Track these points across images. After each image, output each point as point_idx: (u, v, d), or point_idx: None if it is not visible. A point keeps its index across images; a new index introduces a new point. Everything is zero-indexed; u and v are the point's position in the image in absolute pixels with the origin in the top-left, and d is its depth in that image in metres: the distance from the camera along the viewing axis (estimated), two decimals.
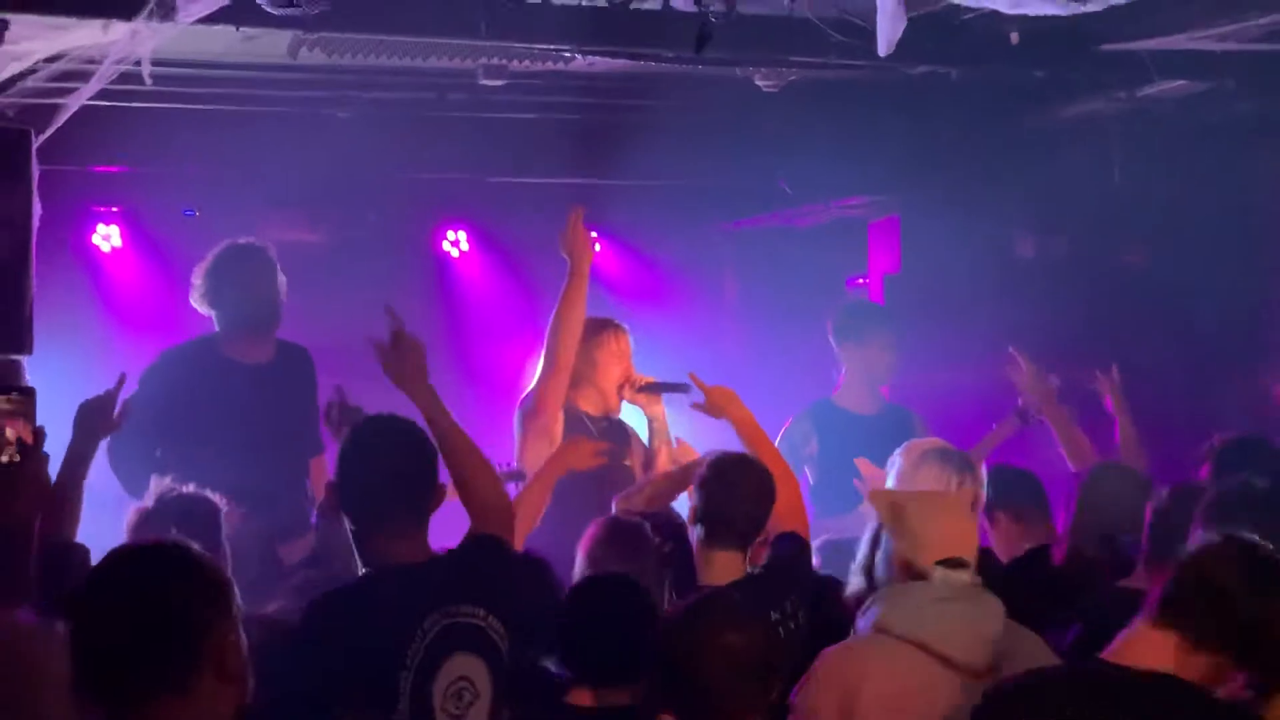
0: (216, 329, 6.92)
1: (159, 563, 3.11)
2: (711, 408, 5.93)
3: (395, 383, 4.67)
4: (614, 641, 4.42)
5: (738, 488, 5.07)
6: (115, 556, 3.18)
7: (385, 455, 4.41)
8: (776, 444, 6.23)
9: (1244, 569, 3.67)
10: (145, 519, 5.34)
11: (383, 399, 5.45)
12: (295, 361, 7.00)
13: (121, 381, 5.55)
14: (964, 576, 4.43)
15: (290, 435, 6.84)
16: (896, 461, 6.10)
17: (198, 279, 6.89)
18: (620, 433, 6.72)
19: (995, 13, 5.60)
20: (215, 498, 5.40)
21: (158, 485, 5.49)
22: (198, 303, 6.92)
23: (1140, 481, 5.45)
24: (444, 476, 4.49)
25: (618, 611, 4.49)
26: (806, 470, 7.36)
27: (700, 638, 4.02)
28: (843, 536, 5.54)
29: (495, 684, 4.34)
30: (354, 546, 4.40)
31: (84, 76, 6.03)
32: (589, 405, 6.68)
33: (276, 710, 4.18)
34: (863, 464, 6.70)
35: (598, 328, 6.68)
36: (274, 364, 6.95)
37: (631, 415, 6.80)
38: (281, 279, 6.92)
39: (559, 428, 6.44)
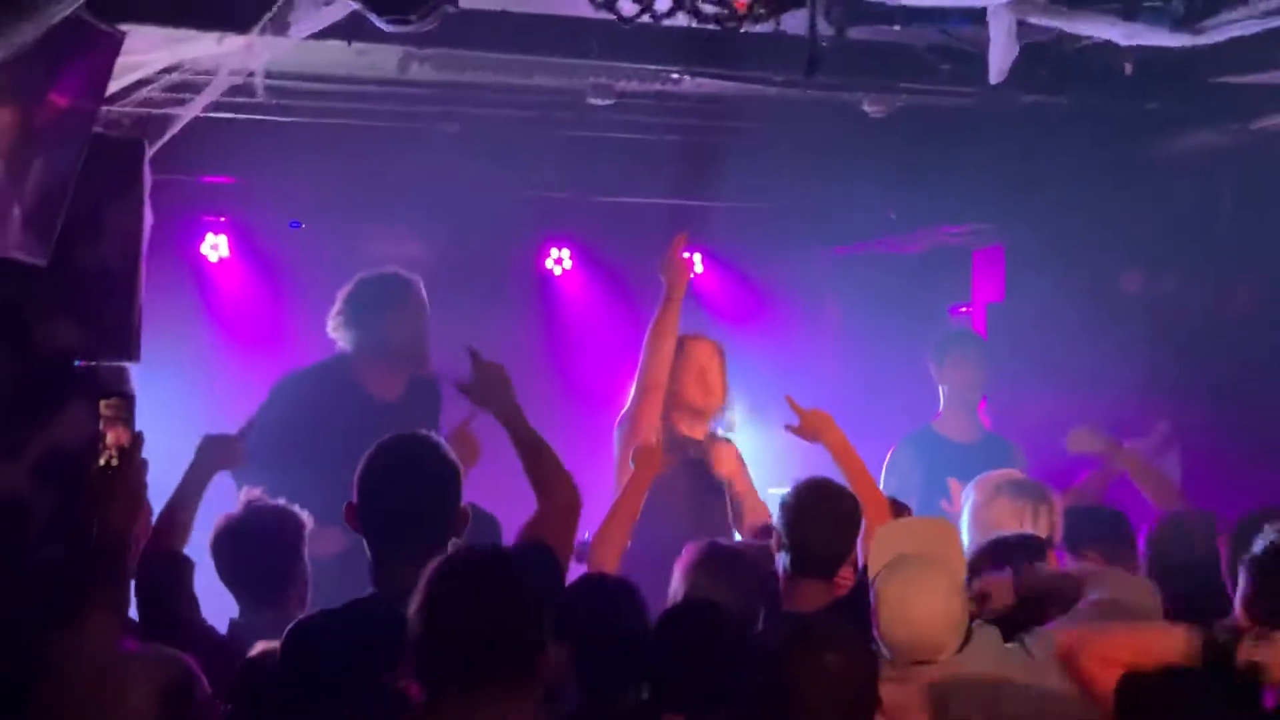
0: (350, 353, 6.93)
1: (512, 563, 3.56)
2: (806, 431, 5.92)
3: (478, 404, 4.72)
4: (706, 669, 4.39)
5: (819, 516, 5.05)
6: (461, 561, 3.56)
7: (407, 480, 4.39)
8: (883, 472, 6.25)
9: None
10: (230, 526, 5.37)
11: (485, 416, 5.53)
12: (424, 398, 6.98)
13: (251, 425, 5.63)
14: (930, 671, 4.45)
15: None
16: (970, 495, 6.09)
17: (342, 301, 6.92)
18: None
19: (1109, 43, 5.55)
20: (302, 514, 5.43)
21: (247, 494, 5.54)
22: (337, 327, 6.95)
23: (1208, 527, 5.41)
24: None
25: (710, 639, 4.46)
26: (910, 501, 7.34)
27: (803, 664, 4.00)
28: None
29: None
30: (370, 569, 4.37)
31: (197, 88, 6.09)
32: (683, 426, 6.71)
33: None
34: (953, 484, 6.68)
35: (677, 345, 6.76)
36: (404, 401, 6.94)
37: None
38: (424, 309, 6.97)
39: (654, 440, 6.45)
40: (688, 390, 6.75)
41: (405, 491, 4.38)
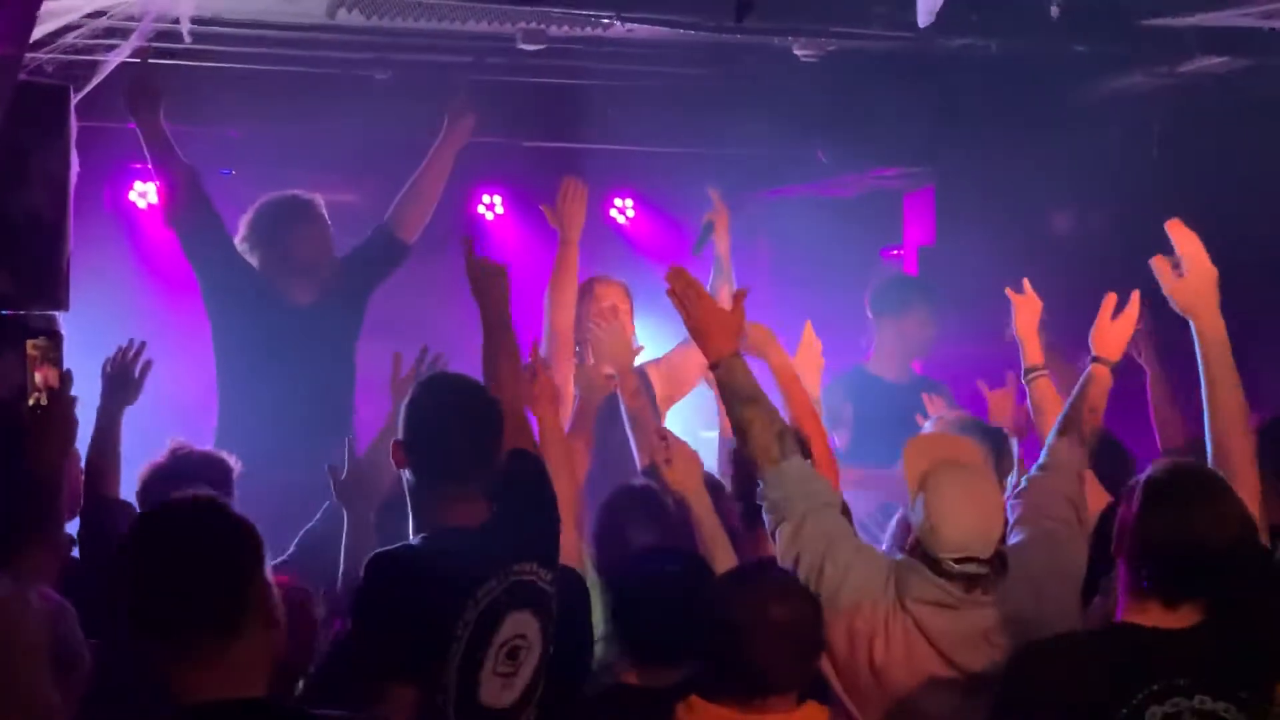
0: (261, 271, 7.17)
1: (205, 513, 3.29)
2: (750, 346, 5.86)
3: (478, 286, 4.71)
4: (667, 621, 4.40)
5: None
6: (163, 507, 3.34)
7: (459, 415, 4.37)
8: None
9: None
10: (157, 473, 5.36)
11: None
12: (340, 296, 7.35)
13: (142, 349, 5.62)
14: (974, 570, 4.45)
15: (329, 382, 6.98)
16: (926, 434, 6.10)
17: (246, 226, 7.09)
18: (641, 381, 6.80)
19: None
20: (229, 458, 5.42)
21: (173, 441, 5.52)
22: (245, 251, 7.19)
23: None
24: None
25: (672, 591, 4.46)
26: (836, 437, 7.37)
27: (747, 610, 4.01)
28: (892, 500, 5.51)
29: (545, 636, 4.32)
30: (410, 505, 4.35)
31: (124, 34, 6.04)
32: (607, 365, 6.75)
33: (324, 677, 4.22)
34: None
35: (581, 290, 6.82)
36: (320, 305, 7.26)
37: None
38: (330, 230, 7.30)
39: (569, 389, 6.47)
40: (601, 327, 6.77)
41: (463, 428, 4.36)
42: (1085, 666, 3.88)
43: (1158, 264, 4.81)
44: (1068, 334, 6.81)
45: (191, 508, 3.29)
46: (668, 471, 5.15)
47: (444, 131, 7.47)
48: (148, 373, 5.77)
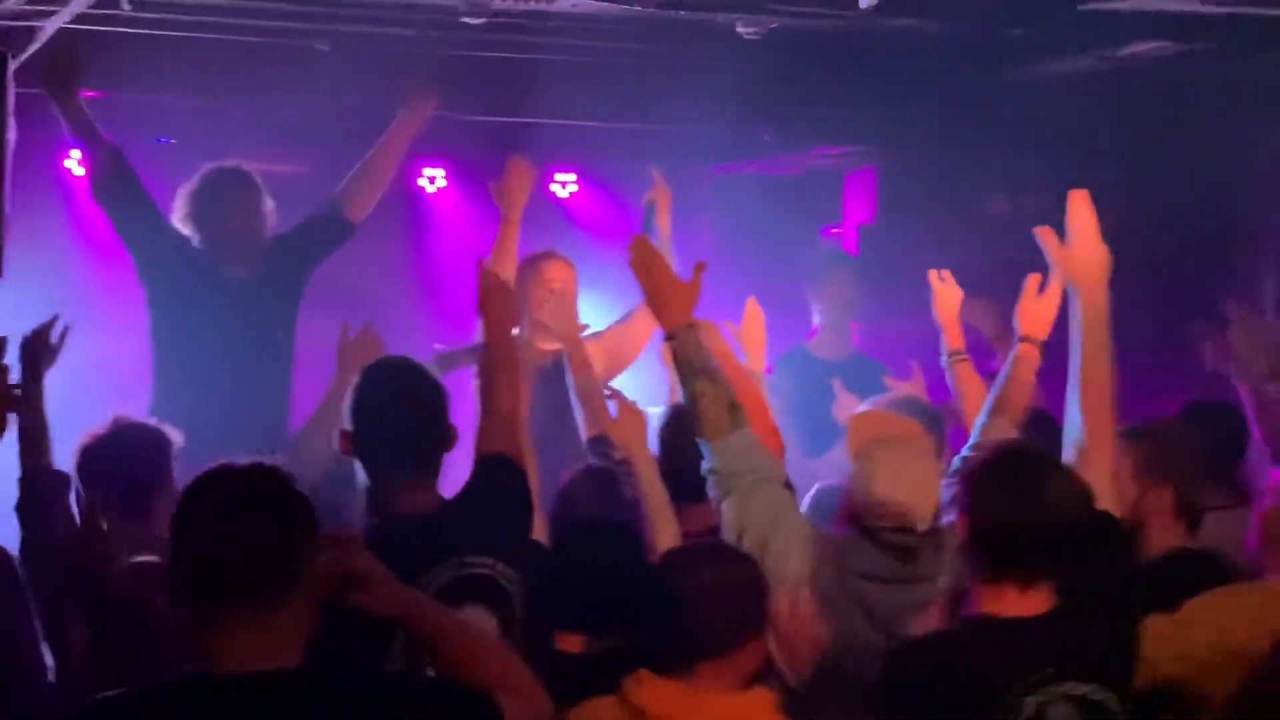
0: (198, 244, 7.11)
1: (263, 481, 3.22)
2: None
3: (486, 305, 4.70)
4: (605, 588, 4.40)
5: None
6: (218, 473, 3.25)
7: (405, 399, 4.38)
8: None
9: None
10: (96, 443, 5.34)
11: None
12: (279, 268, 7.28)
13: (56, 316, 5.59)
14: (910, 541, 4.49)
15: (264, 356, 6.96)
16: (866, 411, 6.14)
17: (180, 199, 7.00)
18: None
19: None
20: (170, 431, 5.40)
21: (113, 413, 5.50)
22: (181, 224, 7.04)
23: None
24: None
25: (609, 557, 4.46)
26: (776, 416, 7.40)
27: (687, 575, 4.03)
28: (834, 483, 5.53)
29: (506, 633, 4.29)
30: (365, 494, 4.34)
31: (62, 0, 6.00)
32: (539, 341, 6.76)
33: None
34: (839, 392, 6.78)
35: (525, 264, 6.82)
36: (257, 278, 7.18)
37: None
38: (265, 200, 7.18)
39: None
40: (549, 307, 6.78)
41: (404, 415, 4.36)
42: (956, 664, 3.91)
43: (1043, 234, 4.84)
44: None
45: (247, 474, 3.23)
46: (613, 429, 5.17)
47: (401, 114, 7.43)
48: (65, 336, 5.72)
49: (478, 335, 5.92)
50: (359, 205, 7.43)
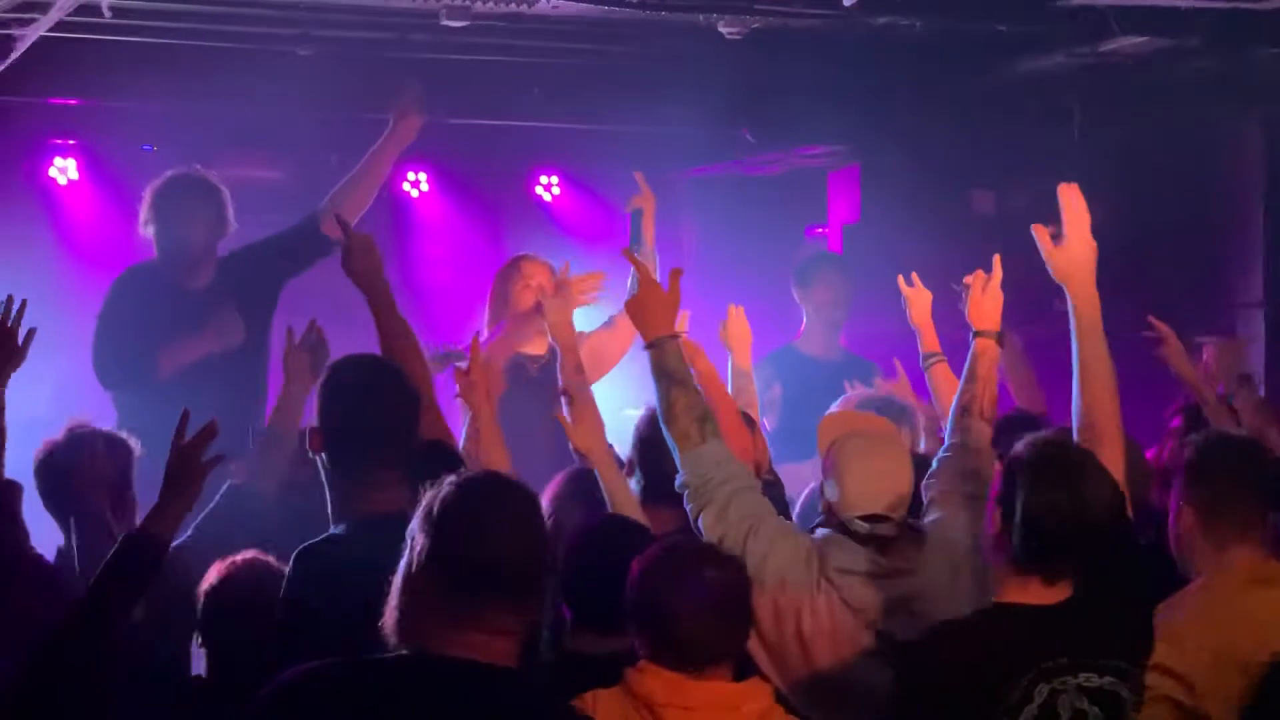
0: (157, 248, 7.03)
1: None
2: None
3: (351, 273, 4.66)
4: (617, 587, 4.40)
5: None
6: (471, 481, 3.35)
7: (377, 395, 4.33)
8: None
9: None
10: (53, 452, 5.23)
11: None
12: (235, 275, 7.10)
13: (23, 308, 5.48)
14: (885, 530, 4.50)
15: (230, 366, 6.90)
16: (834, 412, 6.15)
17: (142, 207, 6.95)
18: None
19: None
20: (129, 439, 5.32)
21: (70, 420, 5.42)
22: (143, 230, 7.02)
23: None
24: None
25: (622, 556, 4.47)
26: (766, 417, 7.40)
27: (675, 581, 4.03)
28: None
29: None
30: (330, 494, 4.29)
31: (43, 8, 5.99)
32: (527, 346, 6.75)
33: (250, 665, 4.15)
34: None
35: (505, 267, 6.81)
36: (214, 285, 7.04)
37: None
38: (223, 207, 7.01)
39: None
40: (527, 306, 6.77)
41: (380, 405, 4.31)
42: (973, 650, 3.95)
43: (1038, 231, 4.86)
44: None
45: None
46: (571, 433, 5.17)
47: (389, 131, 7.35)
48: (30, 340, 5.63)
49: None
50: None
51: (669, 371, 4.71)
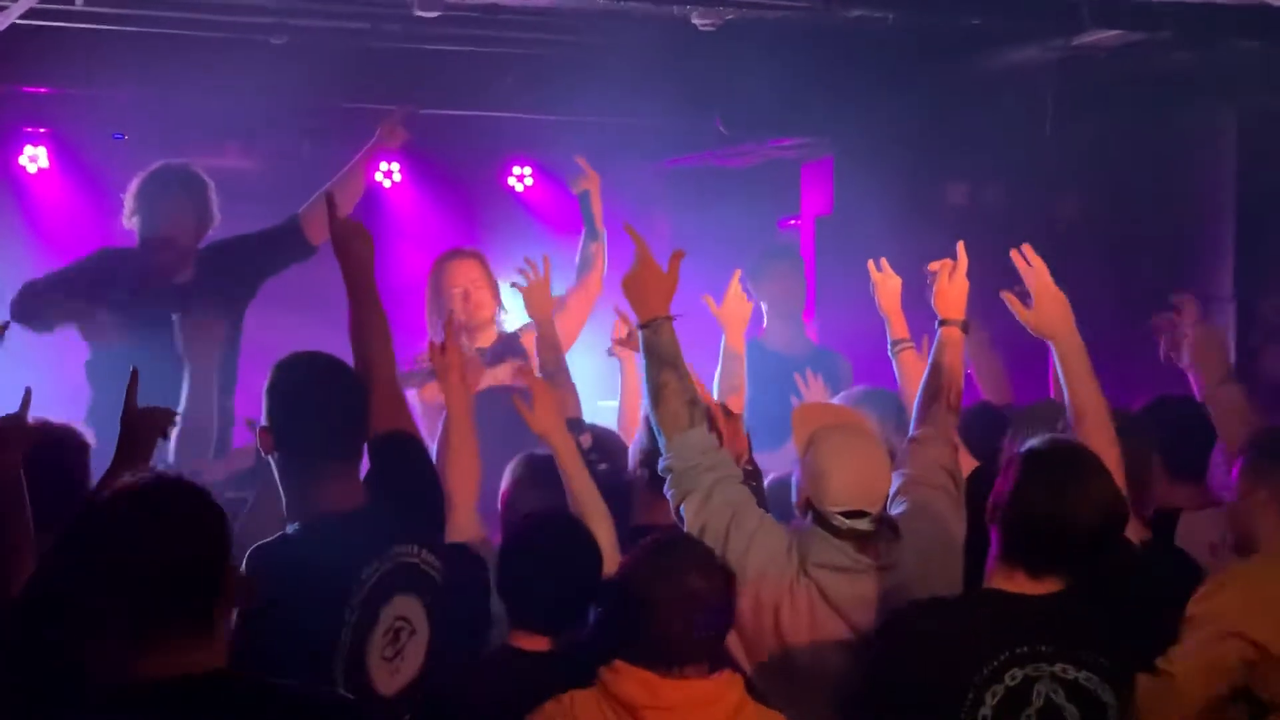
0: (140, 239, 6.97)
1: (175, 497, 3.22)
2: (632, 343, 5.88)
3: (342, 253, 4.62)
4: (560, 583, 4.40)
5: None
6: (126, 492, 3.23)
7: (323, 388, 4.28)
8: (714, 382, 6.32)
9: None
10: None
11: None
12: (216, 267, 7.05)
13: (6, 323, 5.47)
14: (863, 526, 4.51)
15: (210, 357, 6.85)
16: (809, 404, 6.16)
17: (127, 197, 6.91)
18: (512, 348, 6.79)
19: None
20: (85, 432, 5.25)
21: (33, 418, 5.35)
22: (125, 220, 6.96)
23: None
24: None
25: (562, 552, 4.46)
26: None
27: (661, 580, 4.03)
28: (787, 474, 5.54)
29: (432, 619, 4.28)
30: (283, 493, 4.25)
31: None
32: (468, 341, 6.75)
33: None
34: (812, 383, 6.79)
35: (435, 264, 6.82)
36: (195, 279, 6.98)
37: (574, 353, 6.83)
38: (210, 202, 6.96)
39: None
40: (458, 312, 6.75)
41: (330, 398, 4.27)
42: (949, 629, 4.01)
43: (1008, 299, 4.94)
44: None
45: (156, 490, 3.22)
46: (529, 418, 5.14)
47: (372, 144, 7.30)
48: (4, 331, 5.60)
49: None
50: (320, 231, 7.26)
51: (661, 353, 4.69)
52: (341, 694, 3.82)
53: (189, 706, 3.13)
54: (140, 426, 4.30)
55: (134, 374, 4.36)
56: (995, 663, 3.92)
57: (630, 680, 3.98)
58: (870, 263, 5.82)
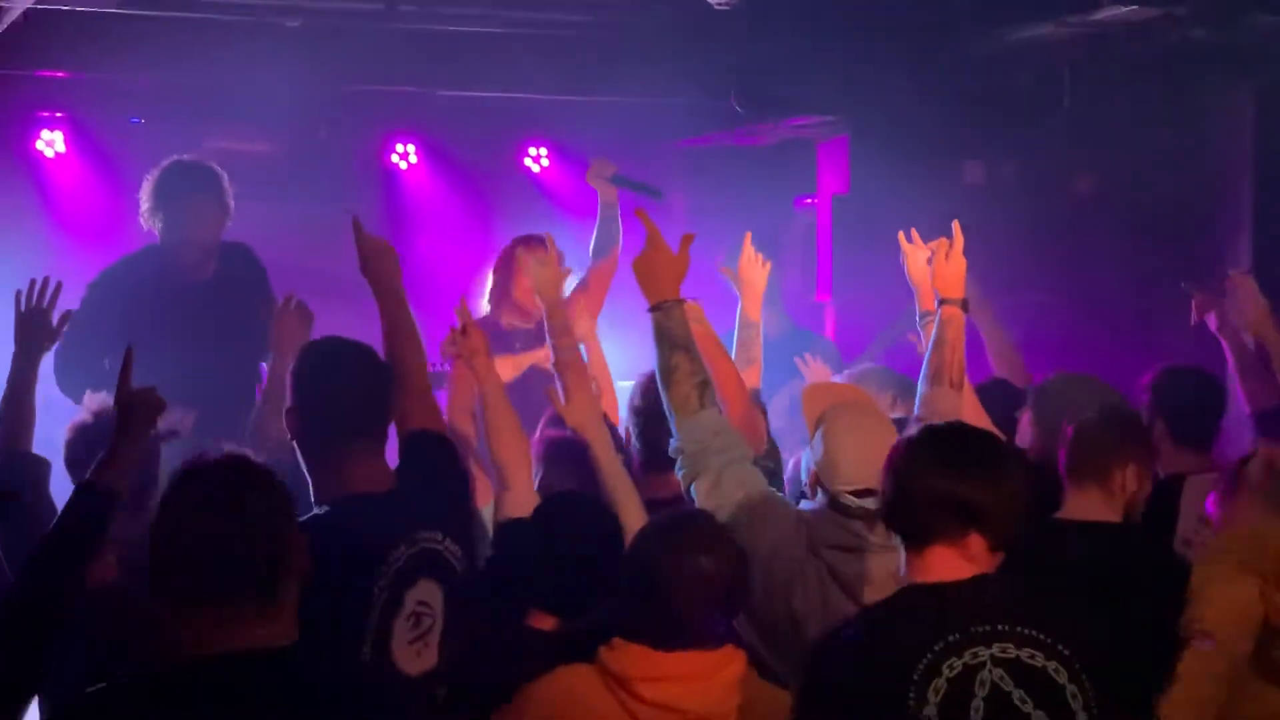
0: (159, 239, 6.91)
1: (242, 476, 3.29)
2: None
3: (363, 271, 4.64)
4: (580, 565, 4.40)
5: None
6: (194, 471, 3.29)
7: (348, 369, 4.31)
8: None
9: None
10: (82, 434, 5.17)
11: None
12: (240, 270, 6.99)
13: (58, 290, 5.50)
14: (874, 505, 4.49)
15: (236, 350, 6.84)
16: (819, 384, 6.16)
17: (143, 197, 6.88)
18: (540, 337, 6.80)
19: None
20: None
21: (92, 400, 5.41)
22: (144, 220, 6.91)
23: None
24: None
25: (584, 534, 4.47)
26: None
27: (673, 560, 4.02)
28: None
29: (449, 607, 4.29)
30: (310, 478, 4.25)
31: None
32: (509, 317, 6.75)
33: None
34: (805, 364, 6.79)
35: (509, 247, 6.79)
36: (219, 278, 6.93)
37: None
38: (225, 194, 6.90)
39: None
40: (522, 294, 6.75)
41: (354, 378, 4.29)
42: (874, 635, 3.76)
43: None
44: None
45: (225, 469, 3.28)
46: (563, 409, 5.15)
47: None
48: (66, 320, 5.64)
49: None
50: None
51: (672, 336, 4.69)
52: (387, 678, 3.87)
53: (250, 682, 3.17)
54: (136, 406, 4.30)
55: (128, 354, 4.36)
56: (929, 655, 3.66)
57: (625, 654, 3.95)
58: (900, 234, 5.81)
